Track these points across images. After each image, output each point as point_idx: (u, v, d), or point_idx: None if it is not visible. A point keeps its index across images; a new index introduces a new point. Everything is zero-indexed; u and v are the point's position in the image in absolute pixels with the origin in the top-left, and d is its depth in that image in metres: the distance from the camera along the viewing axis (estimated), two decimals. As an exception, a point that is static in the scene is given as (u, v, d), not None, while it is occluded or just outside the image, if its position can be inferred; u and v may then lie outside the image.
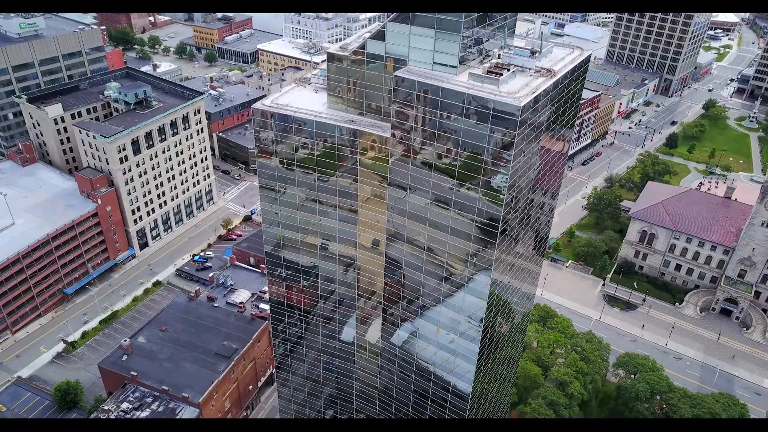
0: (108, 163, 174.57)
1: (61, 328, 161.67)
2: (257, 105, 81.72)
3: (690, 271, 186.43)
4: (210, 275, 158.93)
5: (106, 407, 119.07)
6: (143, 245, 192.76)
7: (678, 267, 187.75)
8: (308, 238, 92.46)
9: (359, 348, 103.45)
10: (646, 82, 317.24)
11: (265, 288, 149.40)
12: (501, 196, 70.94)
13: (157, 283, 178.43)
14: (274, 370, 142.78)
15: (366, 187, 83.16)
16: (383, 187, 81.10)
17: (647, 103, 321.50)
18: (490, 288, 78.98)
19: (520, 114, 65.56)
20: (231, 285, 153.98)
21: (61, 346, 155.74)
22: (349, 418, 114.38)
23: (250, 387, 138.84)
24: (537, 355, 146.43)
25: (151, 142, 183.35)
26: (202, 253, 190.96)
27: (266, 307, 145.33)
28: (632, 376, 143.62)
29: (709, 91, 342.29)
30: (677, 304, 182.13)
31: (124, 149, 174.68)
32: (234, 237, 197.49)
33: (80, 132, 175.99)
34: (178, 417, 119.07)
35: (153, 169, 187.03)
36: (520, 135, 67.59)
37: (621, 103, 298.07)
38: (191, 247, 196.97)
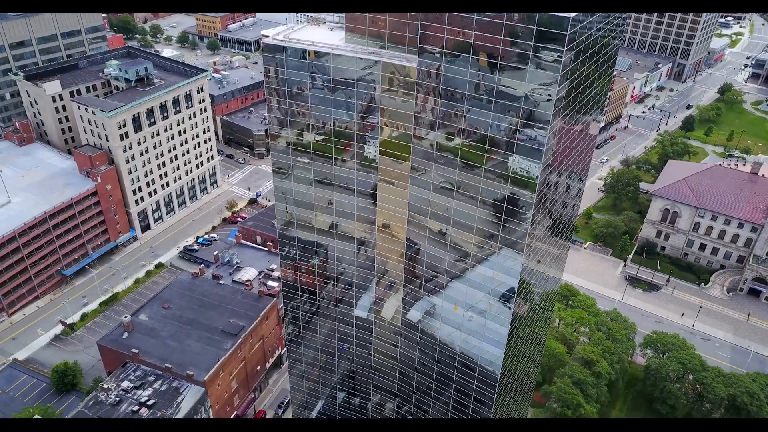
0: (108, 140, 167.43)
1: (60, 311, 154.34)
2: (268, 39, 74.32)
3: (715, 251, 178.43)
4: (215, 253, 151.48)
5: (105, 386, 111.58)
6: (145, 228, 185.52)
7: (702, 247, 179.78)
8: (321, 215, 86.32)
9: (377, 324, 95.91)
10: (660, 66, 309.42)
11: (273, 266, 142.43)
12: (537, 166, 66.00)
13: (159, 265, 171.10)
14: (284, 351, 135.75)
15: (386, 159, 76.97)
16: (406, 154, 74.95)
17: (660, 88, 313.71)
18: (521, 265, 73.64)
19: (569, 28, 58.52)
20: (237, 263, 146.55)
21: (59, 329, 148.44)
22: (359, 404, 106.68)
23: (258, 367, 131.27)
24: (561, 334, 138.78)
25: (152, 119, 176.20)
26: (206, 236, 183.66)
27: (274, 284, 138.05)
28: (661, 355, 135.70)
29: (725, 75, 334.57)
30: (703, 284, 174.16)
31: (124, 125, 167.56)
32: (239, 220, 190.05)
33: (79, 108, 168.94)
34: (182, 396, 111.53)
35: (155, 147, 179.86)
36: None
37: (634, 87, 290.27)
38: (195, 230, 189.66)
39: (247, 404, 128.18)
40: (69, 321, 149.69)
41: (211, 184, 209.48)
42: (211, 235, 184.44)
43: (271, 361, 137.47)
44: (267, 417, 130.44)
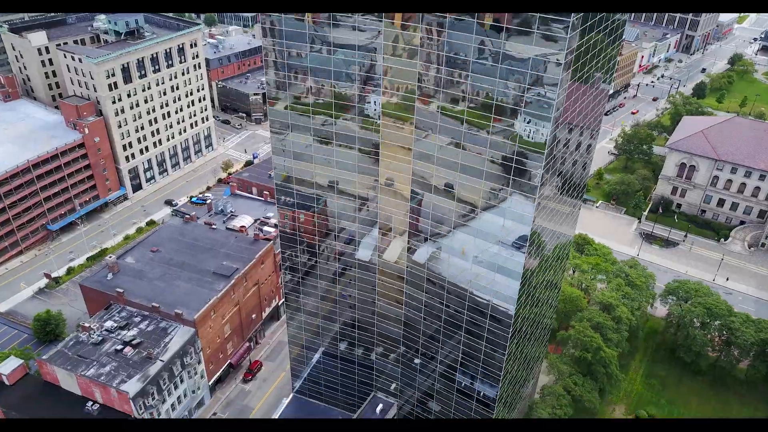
0: (96, 90, 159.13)
1: (45, 266, 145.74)
2: None
3: (735, 206, 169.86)
4: (208, 202, 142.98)
5: (87, 324, 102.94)
6: (136, 187, 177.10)
7: (721, 202, 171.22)
8: (321, 173, 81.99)
9: (381, 267, 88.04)
10: (668, 36, 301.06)
11: (270, 213, 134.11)
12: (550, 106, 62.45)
13: (150, 223, 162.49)
14: (281, 303, 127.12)
15: (389, 121, 73.57)
16: (410, 116, 71.94)
17: (669, 60, 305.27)
18: (532, 218, 70.01)
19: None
20: (231, 212, 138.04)
21: (43, 282, 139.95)
22: (363, 355, 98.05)
23: (254, 316, 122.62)
24: (577, 280, 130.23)
25: (143, 72, 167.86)
26: (200, 195, 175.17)
27: (271, 230, 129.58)
28: (684, 302, 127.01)
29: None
30: (722, 240, 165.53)
31: (113, 75, 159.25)
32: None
33: (65, 57, 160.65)
34: (170, 336, 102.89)
35: (146, 102, 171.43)
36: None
37: (642, 57, 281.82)
38: (188, 190, 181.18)
39: (241, 353, 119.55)
40: (54, 275, 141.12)
41: (206, 147, 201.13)
42: (206, 194, 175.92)
43: (268, 311, 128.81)
44: (263, 368, 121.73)
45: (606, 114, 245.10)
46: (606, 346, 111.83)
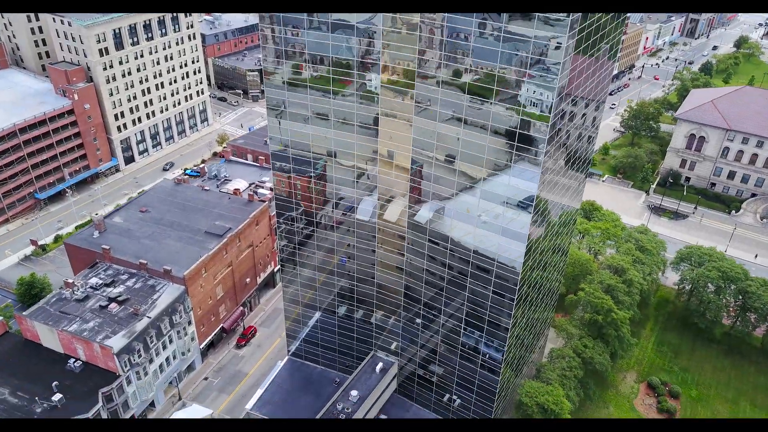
0: (86, 56, 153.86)
1: (32, 235, 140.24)
2: None
3: (745, 179, 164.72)
4: (201, 166, 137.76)
5: (71, 281, 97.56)
6: (129, 159, 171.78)
7: (731, 175, 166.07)
8: (319, 145, 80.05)
9: (380, 231, 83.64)
10: (672, 19, 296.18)
11: (266, 178, 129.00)
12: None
13: (143, 193, 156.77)
14: (277, 269, 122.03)
15: (388, 93, 71.66)
16: (410, 89, 70.19)
17: (673, 44, 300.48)
18: (538, 182, 67.50)
19: None
20: (225, 176, 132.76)
21: (29, 249, 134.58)
22: (363, 318, 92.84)
23: (248, 280, 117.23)
24: (586, 245, 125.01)
25: (135, 38, 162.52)
26: (194, 167, 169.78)
27: (266, 192, 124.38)
28: (697, 267, 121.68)
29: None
30: (733, 212, 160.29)
31: (104, 40, 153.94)
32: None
33: (54, 21, 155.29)
34: (158, 294, 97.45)
35: (138, 71, 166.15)
36: None
37: (647, 38, 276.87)
38: (183, 164, 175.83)
39: (235, 318, 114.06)
40: (41, 243, 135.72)
41: (202, 122, 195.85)
42: (201, 166, 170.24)
43: (263, 276, 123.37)
44: (258, 334, 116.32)
45: (610, 94, 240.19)
46: (617, 309, 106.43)
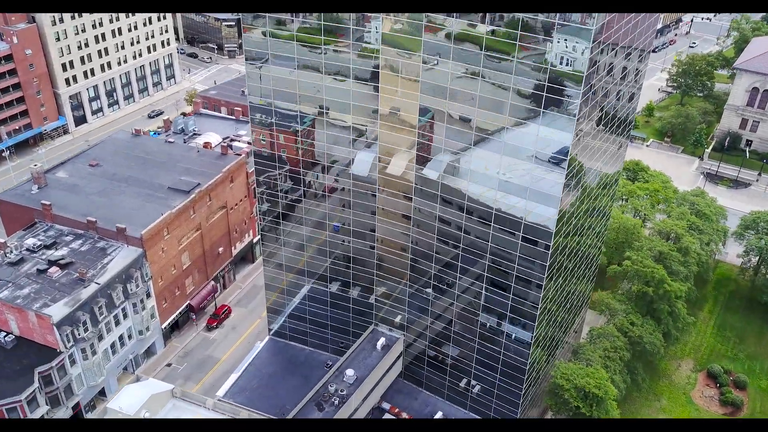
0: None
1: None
2: None
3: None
4: (165, 118, 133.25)
5: (2, 241, 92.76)
6: (80, 119, 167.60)
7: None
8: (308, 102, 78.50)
9: (381, 187, 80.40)
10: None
11: (242, 132, 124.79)
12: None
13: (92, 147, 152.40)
14: (256, 240, 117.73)
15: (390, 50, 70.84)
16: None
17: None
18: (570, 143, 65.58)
19: None
20: (194, 130, 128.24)
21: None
22: (362, 285, 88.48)
23: (221, 249, 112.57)
24: (632, 208, 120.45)
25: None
26: (158, 129, 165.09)
27: (243, 145, 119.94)
28: (766, 236, 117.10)
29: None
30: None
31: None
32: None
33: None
34: (109, 258, 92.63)
35: (90, 14, 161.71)
36: None
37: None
38: (144, 126, 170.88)
39: (205, 295, 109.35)
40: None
41: (168, 79, 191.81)
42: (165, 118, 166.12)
43: (240, 247, 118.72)
44: (232, 315, 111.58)
45: (654, 51, 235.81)
46: (671, 280, 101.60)
